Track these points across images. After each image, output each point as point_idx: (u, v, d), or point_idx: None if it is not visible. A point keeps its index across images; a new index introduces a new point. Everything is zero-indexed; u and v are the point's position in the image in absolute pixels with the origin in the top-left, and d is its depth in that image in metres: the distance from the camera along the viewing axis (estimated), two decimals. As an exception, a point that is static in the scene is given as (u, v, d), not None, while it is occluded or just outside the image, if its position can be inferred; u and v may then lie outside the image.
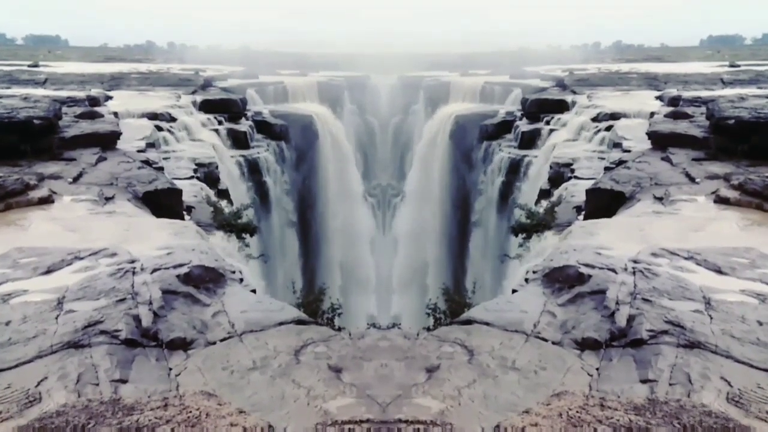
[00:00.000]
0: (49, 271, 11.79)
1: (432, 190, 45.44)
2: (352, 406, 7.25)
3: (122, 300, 9.98)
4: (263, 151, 38.15)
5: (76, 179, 20.13)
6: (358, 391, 7.56)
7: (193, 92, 42.68)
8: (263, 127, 41.37)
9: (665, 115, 29.23)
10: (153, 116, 32.51)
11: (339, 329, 10.40)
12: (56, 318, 9.38)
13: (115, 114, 31.40)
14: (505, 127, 41.36)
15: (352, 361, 8.35)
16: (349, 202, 45.22)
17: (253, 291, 11.97)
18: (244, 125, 39.06)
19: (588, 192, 20.66)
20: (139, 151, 25.37)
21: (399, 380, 7.79)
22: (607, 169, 23.06)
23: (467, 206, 42.57)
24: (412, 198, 45.44)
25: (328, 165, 45.17)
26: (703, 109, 27.52)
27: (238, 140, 37.38)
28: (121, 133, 25.92)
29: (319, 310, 16.04)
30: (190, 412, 6.97)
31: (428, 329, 10.21)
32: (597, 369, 8.17)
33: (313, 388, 7.65)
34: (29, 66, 64.02)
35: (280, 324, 9.68)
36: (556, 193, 24.96)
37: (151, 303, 9.85)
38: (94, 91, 39.44)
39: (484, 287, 27.52)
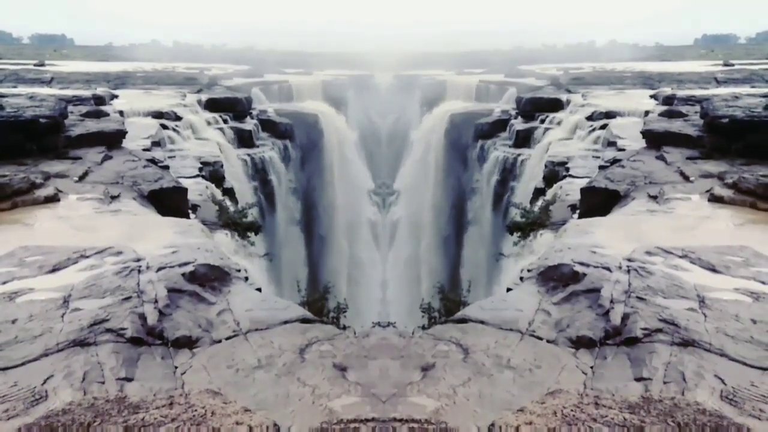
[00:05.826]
0: (54, 270, 11.86)
1: (427, 188, 45.40)
2: (357, 404, 7.32)
3: (128, 298, 10.06)
4: (268, 149, 38.26)
5: (81, 178, 20.24)
6: (363, 390, 7.63)
7: (199, 91, 42.74)
8: (268, 125, 41.44)
9: (660, 114, 29.15)
10: (158, 115, 32.61)
11: (344, 328, 10.47)
12: (62, 316, 9.46)
13: (121, 113, 31.47)
14: (500, 125, 41.39)
15: (357, 359, 8.43)
16: (354, 201, 45.20)
17: (258, 289, 12.04)
18: (249, 124, 39.17)
19: (583, 191, 20.69)
20: (144, 150, 25.45)
21: (395, 379, 7.86)
22: (601, 167, 23.03)
23: (462, 205, 42.59)
24: (407, 197, 45.37)
25: (333, 163, 45.16)
26: (698, 107, 27.41)
27: (243, 139, 37.50)
28: (126, 132, 26.01)
29: (325, 309, 16.13)
30: (196, 410, 7.03)
31: (423, 328, 10.29)
32: (591, 367, 8.24)
33: (318, 386, 7.71)
34: (35, 65, 64.12)
35: (285, 322, 9.75)
36: (551, 191, 24.98)
37: (156, 301, 9.94)
38: (100, 90, 39.43)
39: (479, 286, 27.56)
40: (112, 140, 25.02)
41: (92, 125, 26.41)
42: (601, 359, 8.46)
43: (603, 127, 30.92)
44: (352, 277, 42.69)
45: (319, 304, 16.63)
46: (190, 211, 20.48)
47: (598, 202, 19.45)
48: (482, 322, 9.64)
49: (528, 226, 21.05)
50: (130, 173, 21.10)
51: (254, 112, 41.74)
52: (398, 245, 44.16)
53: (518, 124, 38.97)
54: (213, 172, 27.24)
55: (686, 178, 19.99)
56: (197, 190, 22.90)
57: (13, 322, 9.32)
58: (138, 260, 12.00)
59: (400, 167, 46.95)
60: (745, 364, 8.17)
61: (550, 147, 31.54)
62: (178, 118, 33.22)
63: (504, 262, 23.95)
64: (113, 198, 18.31)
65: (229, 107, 39.23)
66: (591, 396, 7.39)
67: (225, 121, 37.50)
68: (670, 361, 8.18)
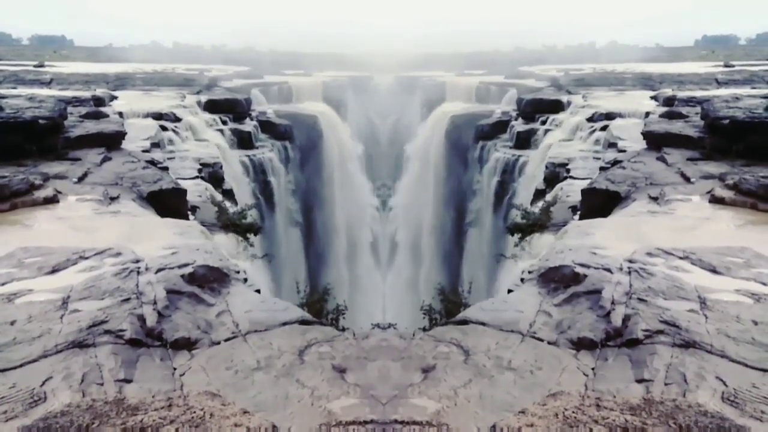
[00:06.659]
0: (54, 271, 11.86)
1: (427, 190, 45.46)
2: (356, 406, 7.30)
3: (127, 300, 10.04)
4: (268, 151, 38.28)
5: (81, 179, 20.22)
6: (362, 391, 7.61)
7: (198, 92, 42.80)
8: (268, 127, 41.45)
9: (660, 115, 29.15)
10: (158, 116, 32.60)
11: (343, 329, 10.44)
12: (61, 318, 9.44)
13: (120, 114, 31.46)
14: (500, 127, 41.48)
15: (357, 361, 8.40)
16: (353, 202, 45.23)
17: (258, 291, 12.02)
18: (249, 125, 39.20)
19: (583, 192, 20.72)
20: (143, 151, 25.44)
21: (395, 380, 7.84)
22: (602, 169, 23.02)
23: (463, 206, 42.64)
24: (408, 198, 45.39)
25: (333, 165, 45.21)
26: (698, 109, 27.44)
27: (243, 140, 37.54)
28: (126, 133, 25.97)
29: (324, 310, 16.10)
30: (194, 412, 7.02)
31: (424, 329, 10.26)
32: (593, 369, 8.22)
33: (317, 388, 7.68)
34: (35, 66, 64.08)
35: (285, 324, 9.72)
36: (552, 193, 25.03)
37: (155, 303, 9.91)
38: (99, 91, 39.43)
39: (479, 287, 27.54)
40: (112, 141, 24.97)
41: (91, 126, 26.36)
42: (602, 361, 8.43)
43: (603, 128, 30.97)
44: (353, 275, 42.83)
45: (318, 306, 16.62)
46: (189, 213, 20.47)
47: (599, 203, 19.48)
48: (483, 324, 9.61)
49: (528, 228, 21.09)
50: (129, 174, 21.07)
51: (254, 114, 41.76)
52: (400, 247, 44.31)
53: (519, 125, 39.07)
54: (212, 174, 27.24)
55: (687, 179, 20.00)
56: (196, 191, 22.89)
57: (12, 323, 9.30)
58: (137, 261, 11.98)
59: (400, 174, 46.99)
60: (746, 365, 8.16)
61: (551, 148, 31.66)
62: (178, 120, 33.23)
63: (505, 263, 23.95)
64: (112, 199, 18.30)
65: (229, 108, 39.27)
66: (592, 398, 7.37)
67: (224, 123, 37.54)
68: (671, 362, 8.16)
